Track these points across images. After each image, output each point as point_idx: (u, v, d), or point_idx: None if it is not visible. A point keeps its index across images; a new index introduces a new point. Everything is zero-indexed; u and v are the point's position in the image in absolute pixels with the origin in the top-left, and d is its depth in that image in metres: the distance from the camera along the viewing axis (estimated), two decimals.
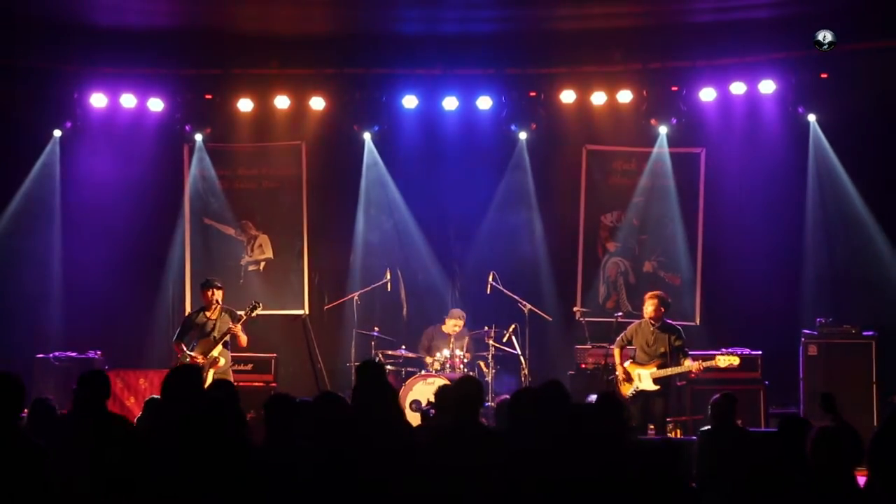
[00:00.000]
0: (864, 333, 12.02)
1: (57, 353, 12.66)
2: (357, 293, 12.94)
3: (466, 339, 12.43)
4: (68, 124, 13.50)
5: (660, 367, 10.96)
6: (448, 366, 12.03)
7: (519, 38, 13.11)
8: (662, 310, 11.17)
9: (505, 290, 12.38)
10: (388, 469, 5.70)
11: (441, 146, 13.61)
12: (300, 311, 13.72)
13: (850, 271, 12.73)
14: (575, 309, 12.95)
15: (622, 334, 11.36)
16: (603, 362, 11.58)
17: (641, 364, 11.08)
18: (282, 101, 13.47)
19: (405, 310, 13.63)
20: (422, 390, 11.52)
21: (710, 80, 13.04)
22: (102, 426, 6.09)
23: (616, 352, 11.28)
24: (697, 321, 13.31)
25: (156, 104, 13.53)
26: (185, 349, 11.32)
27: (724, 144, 13.34)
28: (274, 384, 12.69)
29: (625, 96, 13.20)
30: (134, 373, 12.67)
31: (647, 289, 12.17)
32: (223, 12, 12.68)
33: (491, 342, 12.07)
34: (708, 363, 11.00)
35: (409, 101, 13.42)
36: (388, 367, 11.95)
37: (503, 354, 12.20)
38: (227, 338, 11.38)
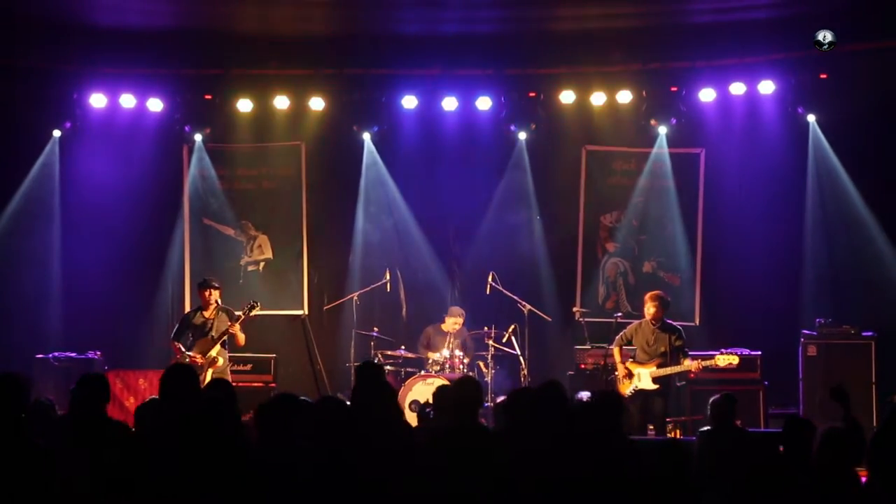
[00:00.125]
0: (864, 334, 12.02)
1: (56, 354, 12.66)
2: (356, 293, 12.94)
3: (466, 338, 12.44)
4: (68, 124, 13.49)
5: (659, 366, 10.97)
6: (447, 366, 12.03)
7: (518, 39, 13.11)
8: (663, 310, 11.17)
9: (504, 291, 12.39)
10: (387, 469, 5.70)
11: (440, 146, 13.61)
12: (299, 312, 13.72)
13: (850, 272, 12.73)
14: (574, 309, 12.94)
15: (622, 333, 11.36)
16: (602, 362, 11.58)
17: (641, 363, 11.08)
18: (281, 102, 13.47)
19: (404, 310, 13.63)
20: (421, 391, 11.51)
21: (710, 81, 13.04)
22: (101, 430, 6.08)
23: (615, 351, 11.28)
24: (697, 321, 13.31)
25: (155, 104, 13.53)
26: (182, 349, 11.32)
27: (724, 145, 13.34)
28: (273, 384, 12.70)
29: (624, 97, 13.20)
30: (133, 373, 12.68)
31: (646, 289, 12.17)
32: (223, 12, 12.68)
33: (490, 342, 12.07)
34: (707, 363, 11.01)
35: (409, 102, 13.42)
36: (388, 367, 11.97)
37: (503, 355, 12.21)
38: (226, 337, 11.38)
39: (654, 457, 5.25)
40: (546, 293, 13.41)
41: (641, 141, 13.54)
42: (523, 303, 12.38)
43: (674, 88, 13.14)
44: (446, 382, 10.90)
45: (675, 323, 11.38)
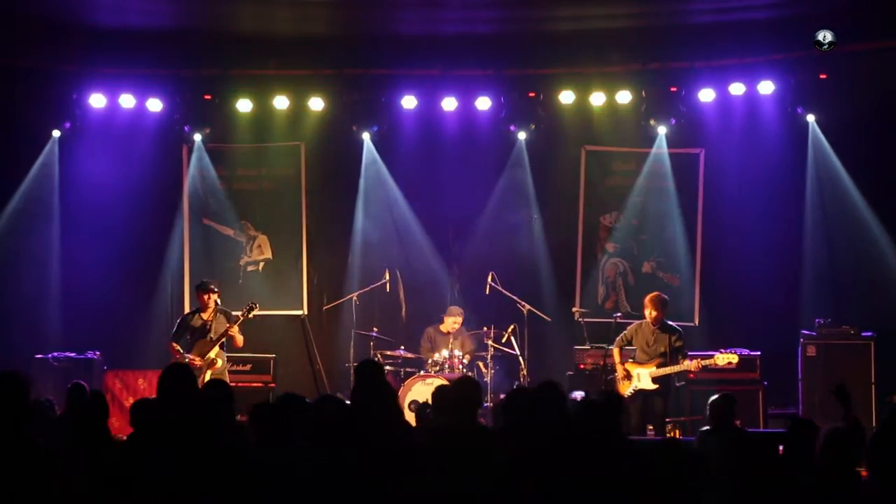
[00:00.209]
0: (863, 334, 12.02)
1: (56, 354, 12.66)
2: (356, 294, 12.94)
3: (466, 337, 12.44)
4: (67, 124, 13.49)
5: (659, 366, 10.97)
6: (447, 366, 12.03)
7: (518, 39, 13.10)
8: (663, 311, 11.17)
9: (504, 291, 12.39)
10: (387, 469, 5.69)
11: (440, 147, 13.60)
12: (299, 312, 13.73)
13: (849, 272, 12.74)
14: (574, 309, 12.94)
15: (622, 334, 11.36)
16: (602, 363, 11.58)
17: (641, 364, 11.09)
18: (281, 102, 13.47)
19: (404, 310, 13.62)
20: (420, 391, 11.51)
21: (709, 81, 13.04)
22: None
23: (615, 352, 11.29)
24: (696, 322, 13.31)
25: (155, 104, 13.52)
26: (181, 350, 11.30)
27: (724, 145, 13.34)
28: (273, 385, 12.70)
29: (624, 97, 13.20)
30: (133, 373, 12.67)
31: (645, 289, 12.18)
32: (222, 13, 12.69)
33: (490, 342, 12.07)
34: (707, 362, 11.01)
35: (409, 102, 13.42)
36: (387, 367, 11.95)
37: (502, 355, 12.20)
38: (224, 339, 11.37)
39: (654, 457, 5.25)
40: (545, 293, 13.41)
41: (641, 141, 13.53)
42: (523, 303, 12.38)
43: (673, 89, 13.13)
44: (445, 382, 10.90)
45: (674, 324, 11.38)
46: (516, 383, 11.84)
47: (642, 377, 10.99)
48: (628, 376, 11.06)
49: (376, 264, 13.36)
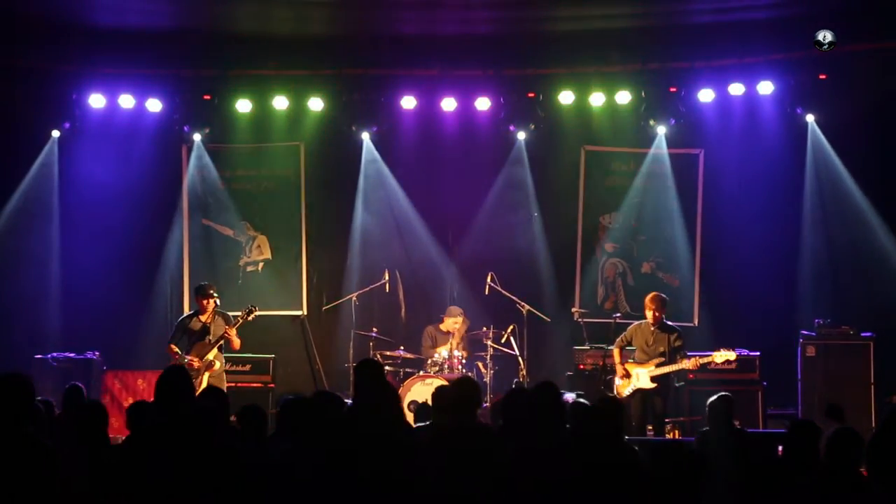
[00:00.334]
0: (863, 334, 12.02)
1: (55, 354, 12.66)
2: (355, 294, 12.94)
3: (465, 337, 12.43)
4: (67, 125, 13.50)
5: (658, 366, 10.97)
6: (446, 366, 12.03)
7: (517, 39, 13.10)
8: (663, 310, 11.17)
9: (503, 291, 12.39)
10: (386, 469, 5.69)
11: (439, 147, 13.61)
12: (298, 312, 13.73)
13: (849, 272, 12.73)
14: (573, 310, 12.95)
15: (622, 335, 11.37)
16: (601, 363, 11.59)
17: (640, 363, 11.09)
18: (280, 102, 13.47)
19: (403, 310, 13.63)
20: (420, 391, 11.51)
21: (709, 81, 13.05)
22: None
23: (616, 352, 11.29)
24: (696, 322, 13.31)
25: (154, 105, 13.52)
26: (179, 352, 11.28)
27: (723, 145, 13.34)
28: (272, 385, 12.70)
29: (623, 97, 13.21)
30: (132, 373, 12.68)
31: (645, 289, 12.17)
32: (222, 13, 12.68)
33: (489, 343, 12.07)
34: (705, 360, 11.02)
35: (408, 102, 13.42)
36: (387, 367, 11.95)
37: (501, 355, 12.20)
38: (222, 341, 11.35)
39: (654, 457, 5.25)
40: (545, 293, 13.42)
41: (640, 141, 13.54)
42: (522, 303, 12.38)
43: (673, 89, 13.14)
44: (445, 383, 10.90)
45: (674, 324, 11.38)
46: (515, 380, 11.85)
47: (641, 377, 10.99)
48: (627, 376, 11.07)
49: (376, 265, 13.36)
